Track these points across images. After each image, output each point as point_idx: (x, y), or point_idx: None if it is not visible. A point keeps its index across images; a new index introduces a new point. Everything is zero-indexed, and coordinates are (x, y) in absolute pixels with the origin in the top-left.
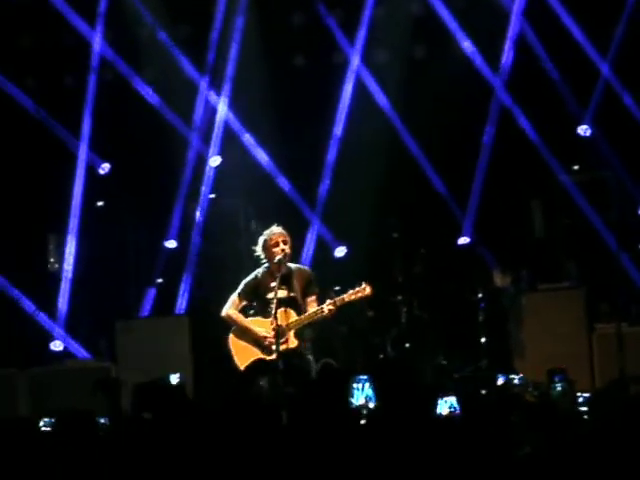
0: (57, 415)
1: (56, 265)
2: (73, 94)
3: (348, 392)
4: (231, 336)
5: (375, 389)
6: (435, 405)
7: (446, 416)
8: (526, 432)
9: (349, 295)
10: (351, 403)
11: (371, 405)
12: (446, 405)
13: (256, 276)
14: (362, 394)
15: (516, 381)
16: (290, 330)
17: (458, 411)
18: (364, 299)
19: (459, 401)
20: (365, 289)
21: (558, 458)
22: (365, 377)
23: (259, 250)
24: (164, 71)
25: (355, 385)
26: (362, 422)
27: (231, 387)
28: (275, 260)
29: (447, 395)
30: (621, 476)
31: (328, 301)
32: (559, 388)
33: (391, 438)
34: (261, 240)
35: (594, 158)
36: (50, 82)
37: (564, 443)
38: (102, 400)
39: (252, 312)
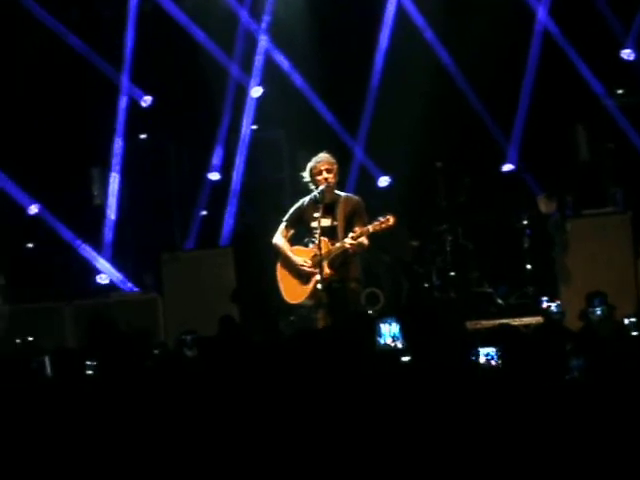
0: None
1: (100, 199)
2: (113, 26)
3: (375, 332)
4: (278, 265)
5: (402, 329)
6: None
7: (483, 365)
8: (571, 358)
9: (373, 226)
10: (378, 343)
11: (399, 345)
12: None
13: (302, 205)
14: (389, 334)
15: (553, 308)
16: (325, 260)
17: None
18: (388, 230)
19: (499, 351)
20: (389, 220)
21: (600, 383)
22: (393, 317)
23: (307, 177)
24: (203, 1)
25: (382, 325)
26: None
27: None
28: (318, 189)
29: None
30: None
31: (351, 233)
32: (598, 312)
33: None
34: (308, 167)
35: (638, 82)
36: (90, 14)
37: (604, 367)
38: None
39: (306, 240)
